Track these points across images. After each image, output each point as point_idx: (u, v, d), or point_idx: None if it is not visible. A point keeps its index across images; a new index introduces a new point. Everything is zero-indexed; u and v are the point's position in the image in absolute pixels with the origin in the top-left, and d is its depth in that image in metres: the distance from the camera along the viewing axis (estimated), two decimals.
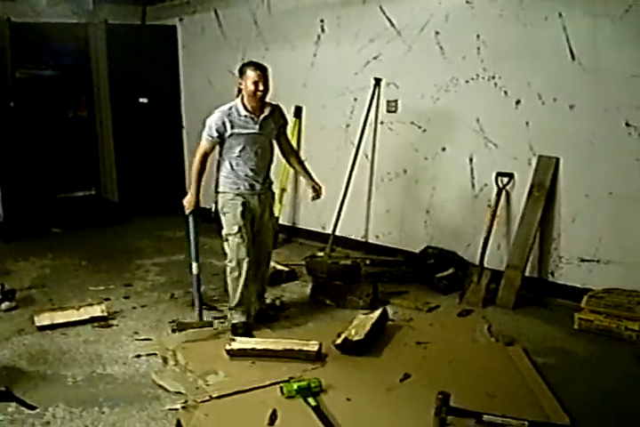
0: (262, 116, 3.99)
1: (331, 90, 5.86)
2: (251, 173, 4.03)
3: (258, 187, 4.08)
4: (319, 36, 5.90)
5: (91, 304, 4.45)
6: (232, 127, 3.92)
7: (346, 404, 3.17)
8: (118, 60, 6.95)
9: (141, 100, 7.25)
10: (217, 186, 4.08)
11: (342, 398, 3.21)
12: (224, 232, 4.05)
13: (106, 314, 4.31)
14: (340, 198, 5.61)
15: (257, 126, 3.97)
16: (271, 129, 4.09)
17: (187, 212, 4.11)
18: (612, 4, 4.05)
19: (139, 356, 3.76)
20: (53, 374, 3.52)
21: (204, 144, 4.01)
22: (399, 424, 2.98)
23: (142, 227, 7.02)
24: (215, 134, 3.93)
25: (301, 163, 4.43)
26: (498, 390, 3.29)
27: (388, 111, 5.47)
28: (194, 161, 4.05)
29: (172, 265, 5.68)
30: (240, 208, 4.00)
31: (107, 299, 4.71)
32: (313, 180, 4.36)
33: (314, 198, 4.37)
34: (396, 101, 5.42)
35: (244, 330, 4.02)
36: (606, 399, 3.23)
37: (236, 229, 3.99)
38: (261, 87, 3.88)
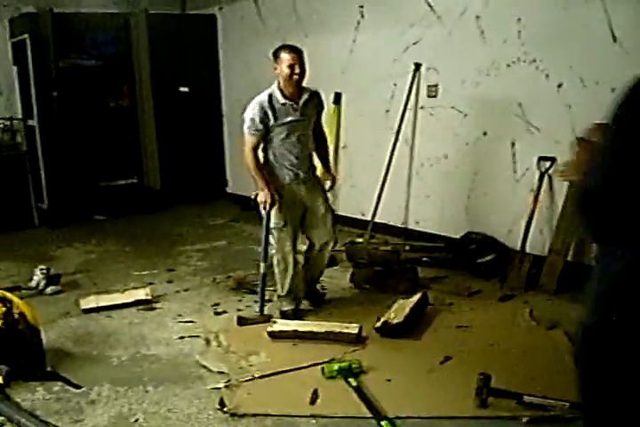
0: (302, 102, 3.88)
1: (370, 76, 5.85)
2: (295, 161, 3.93)
3: (302, 175, 3.97)
4: (359, 22, 5.89)
5: (135, 288, 4.54)
6: (274, 116, 3.80)
7: (386, 385, 3.19)
8: (159, 50, 7.02)
9: (182, 89, 7.33)
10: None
11: (382, 380, 3.24)
12: (271, 225, 3.99)
13: (150, 297, 4.40)
14: (380, 185, 5.61)
15: (298, 113, 3.87)
16: (311, 115, 3.99)
17: (265, 208, 3.91)
18: None
19: (182, 337, 3.83)
20: (98, 355, 3.61)
21: (249, 139, 3.85)
22: (440, 405, 2.99)
23: (184, 214, 7.12)
24: (260, 126, 3.79)
25: (327, 151, 4.33)
26: (539, 372, 3.28)
27: (429, 96, 5.45)
28: (244, 159, 3.90)
29: (213, 251, 5.76)
30: (286, 201, 3.93)
31: (150, 283, 4.80)
32: (330, 170, 4.33)
33: (330, 189, 4.31)
34: (436, 86, 5.38)
35: (295, 317, 4.05)
36: None
37: (282, 223, 3.95)
38: (297, 70, 3.75)
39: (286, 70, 3.75)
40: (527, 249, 4.75)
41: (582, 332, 1.62)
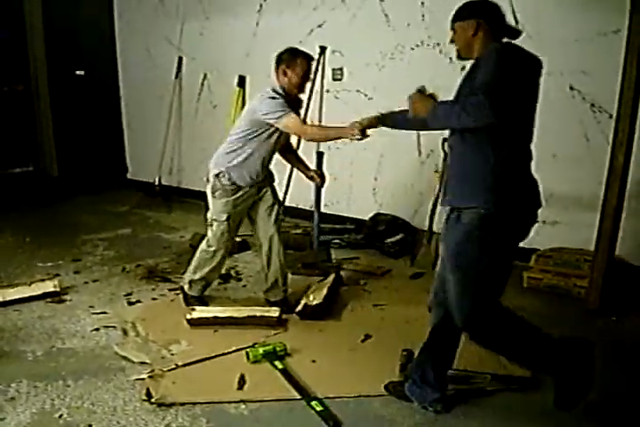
0: (296, 110, 3.68)
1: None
2: (266, 164, 3.79)
3: (261, 177, 3.80)
4: (261, 5, 5.84)
5: (42, 280, 4.37)
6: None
7: (312, 366, 3.23)
8: (54, 32, 6.73)
9: (78, 72, 7.06)
10: (222, 172, 3.71)
11: (308, 361, 3.28)
12: (210, 215, 3.81)
13: (59, 289, 4.24)
14: (289, 168, 5.62)
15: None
16: None
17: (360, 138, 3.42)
18: None
19: (97, 329, 3.72)
20: (12, 351, 3.45)
21: (295, 119, 3.50)
22: (364, 381, 3.06)
23: (85, 202, 6.88)
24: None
25: (296, 156, 4.19)
26: None
27: (334, 79, 5.50)
28: (310, 136, 3.67)
29: (119, 239, 5.61)
30: (237, 198, 3.75)
31: (57, 275, 4.62)
32: (308, 168, 4.17)
33: (320, 186, 4.31)
34: (341, 69, 5.44)
35: (200, 304, 3.97)
36: None
37: (224, 217, 3.76)
38: (309, 81, 3.71)
39: (300, 79, 3.58)
40: (434, 228, 4.90)
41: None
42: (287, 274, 4.03)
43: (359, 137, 3.35)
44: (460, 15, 2.64)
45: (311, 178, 4.14)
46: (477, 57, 2.58)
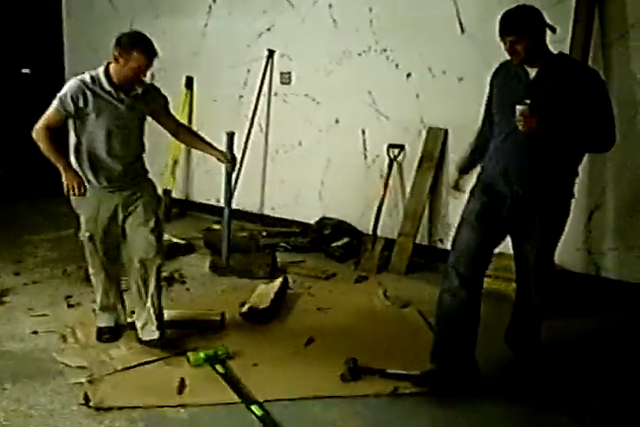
0: (132, 94, 3.24)
1: (223, 61, 5.81)
2: (113, 164, 3.26)
3: (122, 180, 3.31)
4: (210, 7, 5.82)
5: None
6: (94, 102, 3.14)
7: (253, 369, 3.24)
8: None
9: (24, 70, 6.91)
10: None
11: (249, 364, 3.28)
12: (80, 236, 3.46)
13: None
14: (235, 171, 5.61)
15: (123, 106, 3.21)
16: (141, 110, 3.32)
17: (76, 194, 3.19)
18: None
19: (36, 332, 3.65)
20: None
21: (50, 115, 3.16)
22: (307, 386, 3.07)
23: (27, 202, 6.73)
24: (70, 105, 3.11)
25: (196, 135, 3.66)
26: (397, 348, 3.47)
27: (282, 83, 5.50)
28: (35, 136, 3.19)
29: (61, 240, 5.50)
30: (94, 210, 3.30)
31: None
32: (215, 149, 3.62)
33: (229, 171, 3.96)
34: (289, 73, 5.45)
35: (111, 335, 3.53)
36: (496, 353, 3.45)
37: (87, 235, 3.36)
38: (143, 77, 3.25)
39: (134, 71, 3.13)
40: (379, 233, 4.96)
41: None
42: (163, 313, 3.47)
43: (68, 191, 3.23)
44: (524, 27, 2.77)
45: (220, 161, 3.67)
46: (543, 64, 2.85)
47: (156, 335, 3.38)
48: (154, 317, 3.38)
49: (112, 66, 3.16)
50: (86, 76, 3.17)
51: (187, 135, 3.66)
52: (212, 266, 4.69)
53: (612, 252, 4.23)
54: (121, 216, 3.34)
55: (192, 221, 6.08)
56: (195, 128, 5.83)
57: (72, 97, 3.11)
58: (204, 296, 4.27)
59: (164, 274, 4.36)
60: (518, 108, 2.74)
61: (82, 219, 3.36)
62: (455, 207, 4.72)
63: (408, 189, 4.93)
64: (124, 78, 3.16)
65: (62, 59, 7.29)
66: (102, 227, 3.34)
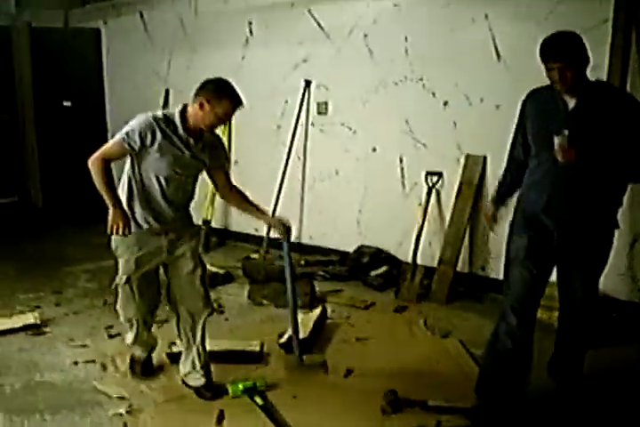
0: (201, 143, 3.10)
1: (260, 92, 5.85)
2: (164, 207, 3.11)
3: (170, 224, 3.15)
4: (247, 39, 5.91)
5: (23, 312, 4.33)
6: (161, 143, 2.97)
7: (292, 401, 3.20)
8: (41, 64, 6.78)
9: (65, 103, 7.08)
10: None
11: (288, 396, 3.24)
12: (117, 279, 3.25)
13: (39, 322, 4.19)
14: (274, 200, 5.64)
15: (188, 153, 3.06)
16: (203, 161, 3.15)
17: (118, 233, 3.01)
18: (537, 6, 4.23)
19: (76, 363, 3.67)
20: None
21: (111, 147, 2.99)
22: (346, 419, 3.03)
23: (69, 233, 6.83)
24: (137, 141, 2.93)
25: (246, 199, 3.35)
26: (438, 380, 3.40)
27: (319, 113, 5.54)
28: (90, 166, 3.00)
29: (101, 271, 5.54)
30: (137, 253, 3.13)
31: (37, 306, 4.58)
32: (266, 215, 3.49)
33: (283, 240, 3.54)
34: (326, 103, 5.49)
35: (144, 369, 3.50)
36: (538, 384, 3.36)
37: (124, 278, 3.18)
38: (227, 122, 3.16)
39: (215, 119, 2.99)
40: (418, 261, 4.91)
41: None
42: (209, 362, 3.36)
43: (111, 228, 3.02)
44: (573, 52, 2.72)
45: (271, 225, 3.52)
46: (582, 93, 2.78)
47: (202, 382, 3.28)
48: (199, 365, 3.29)
49: (191, 110, 3.01)
50: (159, 114, 3.02)
51: (237, 198, 3.37)
52: (250, 296, 4.68)
53: None
54: (165, 261, 3.21)
55: (231, 251, 6.11)
56: (234, 158, 6.01)
57: (140, 133, 2.93)
58: (243, 326, 4.25)
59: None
60: (556, 139, 2.69)
61: (120, 261, 3.18)
62: (496, 234, 4.68)
63: (447, 217, 4.88)
64: (204, 124, 3.01)
65: (103, 92, 7.47)
66: (142, 270, 3.18)
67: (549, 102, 2.88)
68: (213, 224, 6.30)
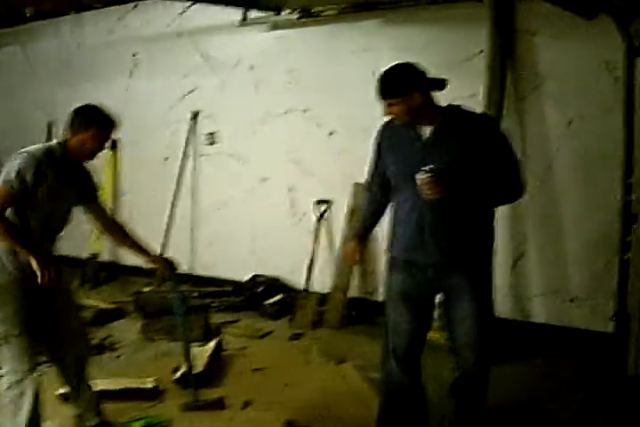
0: (80, 174, 3.03)
1: (147, 123, 5.82)
2: (47, 241, 2.95)
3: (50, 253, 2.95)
4: (132, 70, 5.87)
5: None
6: (48, 179, 2.80)
7: None
8: None
9: None
10: None
11: None
12: (0, 332, 2.84)
13: None
14: (164, 231, 5.58)
15: (71, 182, 2.94)
16: (78, 189, 3.02)
17: (49, 281, 2.75)
18: (415, 39, 4.45)
19: None
20: None
21: (2, 194, 2.74)
22: None
23: None
24: (28, 181, 2.73)
25: (126, 235, 3.20)
26: (335, 405, 3.46)
27: (207, 144, 5.56)
28: None
29: None
30: (21, 296, 2.82)
31: None
32: (147, 253, 3.22)
33: (164, 278, 3.39)
34: (213, 134, 5.52)
35: None
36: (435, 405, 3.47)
37: (16, 331, 2.81)
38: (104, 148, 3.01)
39: (97, 147, 2.91)
40: (311, 288, 4.98)
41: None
42: (97, 401, 3.19)
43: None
44: (398, 90, 2.56)
45: (155, 262, 3.29)
46: (436, 122, 2.62)
47: (95, 421, 3.13)
48: (92, 405, 3.15)
49: (71, 140, 2.89)
50: (40, 152, 2.81)
51: (117, 233, 3.21)
52: (143, 331, 4.60)
53: (537, 297, 4.36)
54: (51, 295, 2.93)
55: (122, 285, 5.97)
56: (121, 190, 5.92)
57: (30, 175, 2.73)
58: (137, 363, 4.16)
59: (94, 341, 4.26)
60: (418, 177, 2.52)
61: (6, 309, 2.82)
62: (384, 259, 4.83)
63: (337, 244, 4.99)
64: (86, 153, 2.91)
65: None
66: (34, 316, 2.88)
67: (403, 135, 2.72)
68: (102, 258, 6.15)
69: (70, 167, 2.93)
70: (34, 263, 2.72)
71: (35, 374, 2.86)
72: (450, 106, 2.71)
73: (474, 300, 2.75)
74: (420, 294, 2.82)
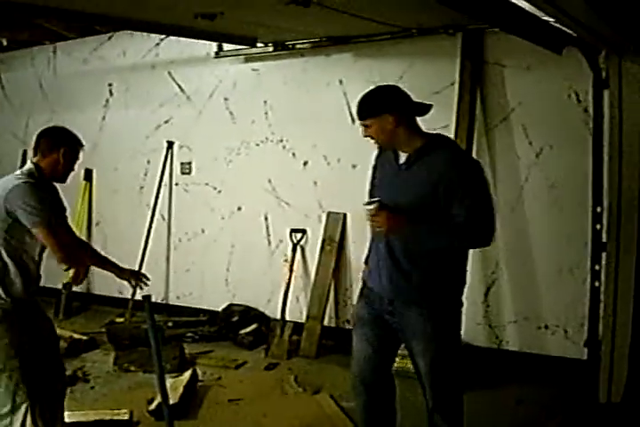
0: (54, 194, 2.99)
1: (123, 152, 5.83)
2: (36, 272, 2.93)
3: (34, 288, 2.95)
4: (108, 100, 5.89)
5: None
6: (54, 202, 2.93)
7: None
8: None
9: None
10: None
11: None
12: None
13: None
14: (139, 261, 5.55)
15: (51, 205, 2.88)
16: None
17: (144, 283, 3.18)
18: (388, 71, 4.53)
19: None
20: None
21: (59, 231, 2.80)
22: None
23: None
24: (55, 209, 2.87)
25: (95, 255, 3.23)
26: None
27: (183, 173, 5.58)
28: (74, 263, 2.89)
29: None
30: (18, 328, 2.79)
31: None
32: (116, 267, 3.16)
33: (135, 287, 3.25)
34: (189, 163, 5.54)
35: None
36: None
37: (16, 362, 2.76)
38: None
39: (72, 166, 2.97)
40: (287, 317, 4.98)
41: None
42: None
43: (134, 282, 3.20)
44: (370, 111, 2.55)
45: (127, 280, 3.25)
46: (418, 149, 2.56)
47: None
48: None
49: (43, 164, 2.87)
50: (30, 178, 2.79)
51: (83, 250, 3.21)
52: (116, 362, 4.56)
53: (510, 325, 4.40)
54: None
55: (94, 315, 5.91)
56: (95, 220, 5.91)
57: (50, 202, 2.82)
58: (110, 394, 4.12)
59: (68, 372, 4.20)
60: (365, 208, 2.44)
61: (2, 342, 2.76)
62: (359, 287, 4.85)
63: (312, 273, 5.02)
64: (60, 174, 2.92)
65: None
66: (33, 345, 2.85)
67: (388, 158, 2.69)
68: (75, 288, 6.08)
69: (48, 188, 2.91)
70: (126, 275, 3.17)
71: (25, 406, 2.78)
72: (437, 135, 2.69)
73: (431, 341, 2.65)
74: (376, 321, 2.78)
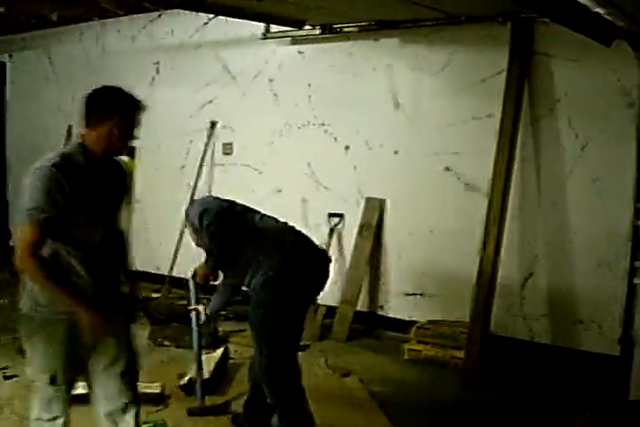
0: (107, 169, 2.43)
1: (166, 131, 5.89)
2: (94, 272, 2.33)
3: (104, 294, 2.38)
4: (154, 78, 5.96)
5: None
6: (72, 191, 2.20)
7: None
8: None
9: None
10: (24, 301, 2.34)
11: None
12: (29, 374, 2.50)
13: None
14: (177, 239, 5.62)
15: (104, 188, 2.38)
16: (117, 191, 2.50)
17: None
18: (433, 60, 4.52)
19: None
20: None
21: (27, 230, 2.16)
22: None
23: None
24: (49, 207, 2.15)
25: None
26: (338, 418, 3.47)
27: (224, 153, 5.62)
28: (23, 266, 2.21)
29: None
30: (61, 341, 2.33)
31: None
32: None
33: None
34: (231, 144, 5.58)
35: None
36: (437, 422, 3.50)
37: (46, 377, 2.37)
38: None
39: (125, 139, 2.39)
40: (320, 300, 5.00)
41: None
42: None
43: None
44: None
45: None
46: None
47: None
48: None
49: (92, 135, 2.34)
50: (56, 159, 2.23)
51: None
52: (151, 336, 4.64)
53: (545, 318, 4.37)
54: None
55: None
56: (136, 197, 5.99)
57: (51, 196, 2.17)
58: (144, 368, 4.17)
59: None
60: None
61: (36, 355, 2.40)
62: (395, 274, 4.87)
63: (348, 257, 5.03)
64: (112, 145, 2.36)
65: (3, 125, 7.29)
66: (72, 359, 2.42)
67: None
68: None
69: (98, 169, 2.35)
70: (86, 317, 2.25)
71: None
72: None
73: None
74: None
